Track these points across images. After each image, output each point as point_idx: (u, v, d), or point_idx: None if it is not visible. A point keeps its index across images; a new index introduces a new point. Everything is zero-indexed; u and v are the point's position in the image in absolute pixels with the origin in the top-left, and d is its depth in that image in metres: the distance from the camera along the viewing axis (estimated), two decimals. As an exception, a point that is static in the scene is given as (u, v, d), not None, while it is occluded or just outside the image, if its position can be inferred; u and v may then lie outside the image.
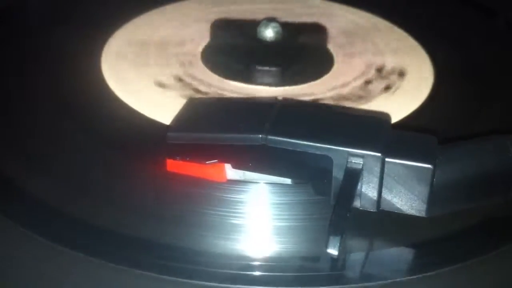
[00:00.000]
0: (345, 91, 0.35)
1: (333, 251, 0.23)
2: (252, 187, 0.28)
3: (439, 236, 0.26)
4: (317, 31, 0.39)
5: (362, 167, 0.25)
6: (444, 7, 0.46)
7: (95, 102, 0.33)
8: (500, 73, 0.38)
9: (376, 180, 0.26)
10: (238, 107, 0.30)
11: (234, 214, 0.27)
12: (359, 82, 0.36)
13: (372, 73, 0.37)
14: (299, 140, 0.26)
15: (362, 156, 0.25)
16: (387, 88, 0.36)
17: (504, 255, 0.26)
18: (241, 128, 0.27)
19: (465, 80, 0.37)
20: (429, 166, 0.25)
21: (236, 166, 0.27)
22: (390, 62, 0.38)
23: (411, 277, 0.24)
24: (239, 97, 0.34)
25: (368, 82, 0.36)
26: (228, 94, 0.34)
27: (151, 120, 0.32)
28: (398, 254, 0.26)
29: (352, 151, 0.25)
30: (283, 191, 0.28)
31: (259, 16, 0.39)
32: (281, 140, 0.26)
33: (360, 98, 0.34)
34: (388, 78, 0.36)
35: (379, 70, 0.37)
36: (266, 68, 0.36)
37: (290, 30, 0.38)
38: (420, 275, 0.25)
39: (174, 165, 0.28)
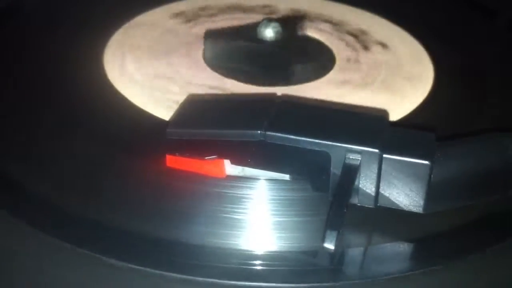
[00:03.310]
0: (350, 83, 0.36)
1: (329, 245, 0.23)
2: (251, 182, 0.28)
3: (436, 232, 0.26)
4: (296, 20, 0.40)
5: (360, 163, 0.25)
6: (446, 7, 0.46)
7: (97, 97, 0.33)
8: (500, 73, 0.38)
9: (374, 176, 0.26)
10: (237, 104, 0.30)
11: (232, 210, 0.27)
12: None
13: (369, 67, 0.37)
14: (298, 136, 0.26)
15: (360, 152, 0.25)
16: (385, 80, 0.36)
17: (503, 251, 0.26)
18: (240, 124, 0.27)
19: (465, 80, 0.37)
20: (427, 162, 0.25)
21: (235, 162, 0.27)
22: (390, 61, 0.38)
23: (408, 273, 0.25)
24: (238, 93, 0.34)
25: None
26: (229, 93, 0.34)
27: (152, 116, 0.32)
28: (396, 251, 0.26)
29: (350, 147, 0.25)
30: (282, 187, 0.28)
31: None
32: (280, 136, 0.26)
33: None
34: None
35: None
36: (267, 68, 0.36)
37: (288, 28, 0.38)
38: (417, 272, 0.25)
39: (173, 161, 0.28)
